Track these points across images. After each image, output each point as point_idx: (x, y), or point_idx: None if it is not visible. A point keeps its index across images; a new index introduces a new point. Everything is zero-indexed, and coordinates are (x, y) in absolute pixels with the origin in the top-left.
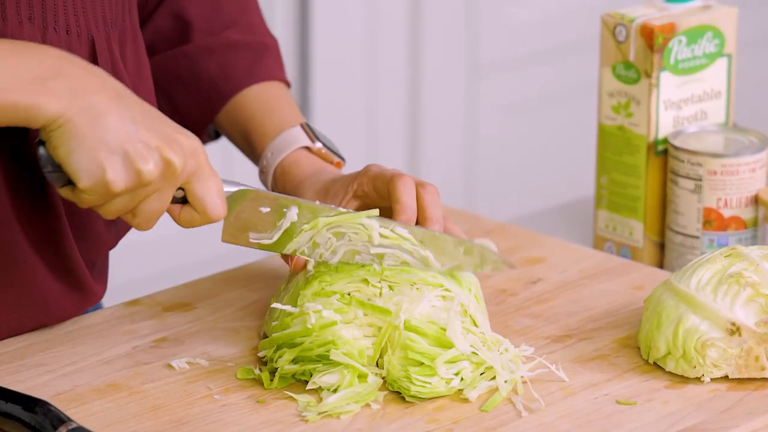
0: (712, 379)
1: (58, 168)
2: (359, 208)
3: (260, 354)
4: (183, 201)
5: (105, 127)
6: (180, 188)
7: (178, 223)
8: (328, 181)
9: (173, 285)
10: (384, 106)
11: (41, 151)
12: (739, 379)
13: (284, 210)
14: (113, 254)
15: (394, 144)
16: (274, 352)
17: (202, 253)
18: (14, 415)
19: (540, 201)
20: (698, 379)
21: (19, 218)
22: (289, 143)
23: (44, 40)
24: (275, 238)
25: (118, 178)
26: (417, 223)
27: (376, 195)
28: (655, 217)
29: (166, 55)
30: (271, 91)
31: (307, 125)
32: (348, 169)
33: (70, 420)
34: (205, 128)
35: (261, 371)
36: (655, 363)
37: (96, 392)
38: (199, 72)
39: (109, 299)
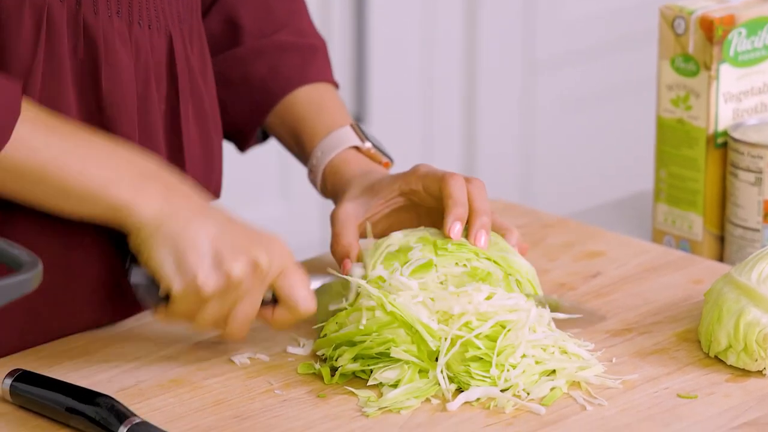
0: None
1: (150, 288)
2: (405, 207)
3: (319, 353)
4: (272, 302)
5: (196, 231)
6: (269, 289)
7: (271, 326)
8: (374, 180)
9: None
10: (440, 103)
11: (132, 277)
12: None
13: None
14: None
15: (450, 140)
16: (333, 350)
17: None
18: (79, 410)
19: (598, 195)
20: (760, 373)
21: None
22: (338, 143)
23: (130, 34)
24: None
25: (209, 280)
26: None
27: (425, 194)
28: (714, 210)
29: (217, 59)
30: (321, 92)
31: (357, 125)
32: (401, 168)
33: (134, 415)
34: (255, 130)
35: (321, 366)
36: (715, 356)
37: (159, 387)
38: (250, 74)
39: None
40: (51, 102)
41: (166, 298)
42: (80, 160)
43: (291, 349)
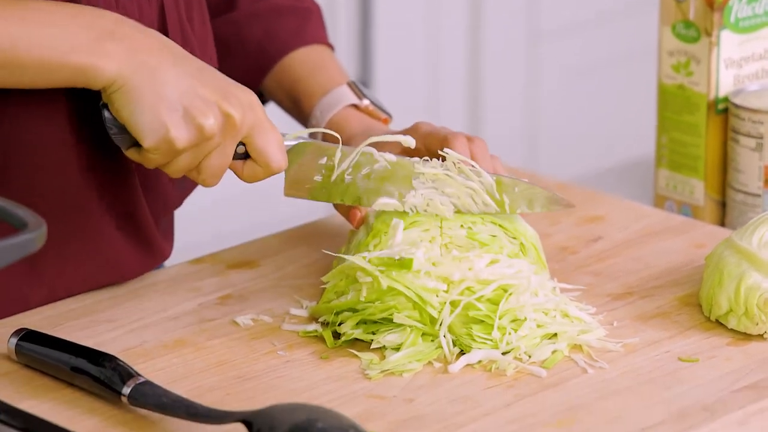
0: None
1: (123, 130)
2: None
3: (320, 320)
4: (244, 157)
5: (163, 84)
6: (241, 143)
7: (241, 179)
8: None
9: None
10: (445, 69)
11: (106, 114)
12: None
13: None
14: (179, 215)
15: (455, 106)
16: (335, 316)
17: (264, 215)
18: (84, 369)
19: (600, 161)
20: (761, 336)
21: (90, 175)
22: (337, 101)
23: (117, 3)
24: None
25: (180, 134)
26: None
27: (427, 153)
28: (715, 175)
29: (212, 23)
30: (317, 53)
31: (354, 83)
32: None
33: (138, 374)
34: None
35: (323, 329)
36: (716, 320)
37: (163, 348)
38: (246, 37)
39: (172, 260)
40: None
41: (138, 142)
42: (34, 34)
43: (294, 311)
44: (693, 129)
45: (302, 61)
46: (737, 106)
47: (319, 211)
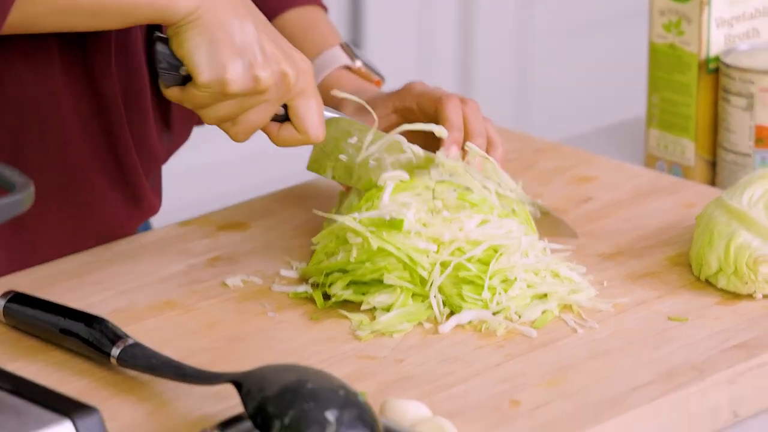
0: (764, 296)
1: (173, 67)
2: (398, 124)
3: (310, 281)
4: (282, 120)
5: (232, 29)
6: (282, 106)
7: (273, 141)
8: (368, 98)
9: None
10: (437, 29)
11: (160, 47)
12: None
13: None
14: (167, 179)
15: (446, 66)
16: (325, 277)
17: (253, 177)
18: (73, 331)
19: (592, 121)
20: (750, 296)
21: (81, 127)
22: (329, 62)
23: None
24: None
25: (237, 79)
26: None
27: (420, 113)
28: (706, 135)
29: None
30: (310, 13)
31: (347, 44)
32: None
33: (128, 336)
34: None
35: (313, 291)
36: (706, 280)
37: (152, 310)
38: None
39: (161, 222)
40: None
41: (184, 81)
42: None
43: (284, 273)
44: (684, 89)
45: (294, 21)
46: (728, 66)
47: (309, 172)
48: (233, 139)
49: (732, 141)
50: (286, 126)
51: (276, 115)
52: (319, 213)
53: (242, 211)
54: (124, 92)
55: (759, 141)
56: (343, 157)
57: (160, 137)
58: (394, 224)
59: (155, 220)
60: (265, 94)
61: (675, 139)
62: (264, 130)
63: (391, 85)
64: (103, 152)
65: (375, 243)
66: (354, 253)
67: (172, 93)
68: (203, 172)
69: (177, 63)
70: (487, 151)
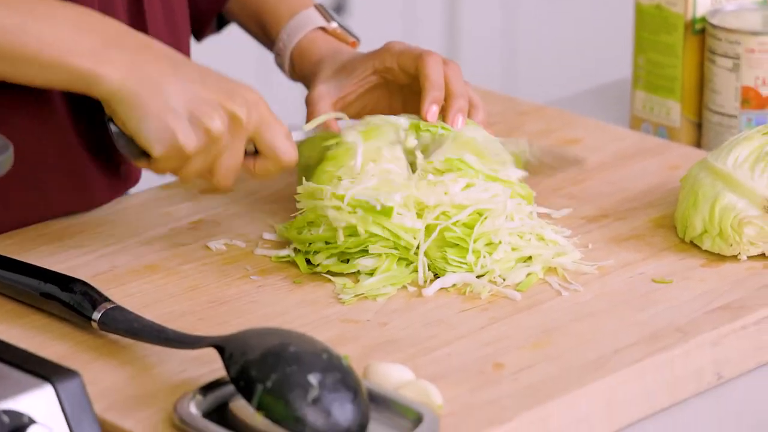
0: (749, 257)
1: (131, 141)
2: (378, 85)
3: (292, 246)
4: (255, 153)
5: (167, 94)
6: (249, 141)
7: (253, 176)
8: (345, 59)
9: None
10: None
11: (112, 127)
12: None
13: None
14: None
15: (432, 29)
16: (308, 245)
17: None
18: (54, 295)
19: (577, 83)
20: (735, 257)
21: (64, 97)
22: (304, 24)
23: None
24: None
25: (189, 139)
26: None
27: (400, 71)
28: (692, 96)
29: None
30: None
31: (321, 6)
32: None
33: (109, 300)
34: (213, 17)
35: (296, 255)
36: (691, 242)
37: (134, 273)
38: None
39: (143, 186)
40: None
41: (148, 153)
42: (38, 28)
43: (267, 236)
44: (670, 50)
45: None
46: (714, 27)
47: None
48: (218, 187)
49: (718, 102)
50: (260, 159)
51: (246, 152)
52: (300, 186)
53: None
54: None
55: (745, 102)
56: (329, 168)
57: None
58: (384, 212)
59: (136, 188)
60: (222, 140)
61: (661, 101)
62: (242, 168)
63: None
64: (84, 122)
65: (363, 229)
66: (341, 237)
67: (141, 164)
68: None
69: (131, 139)
70: (469, 114)
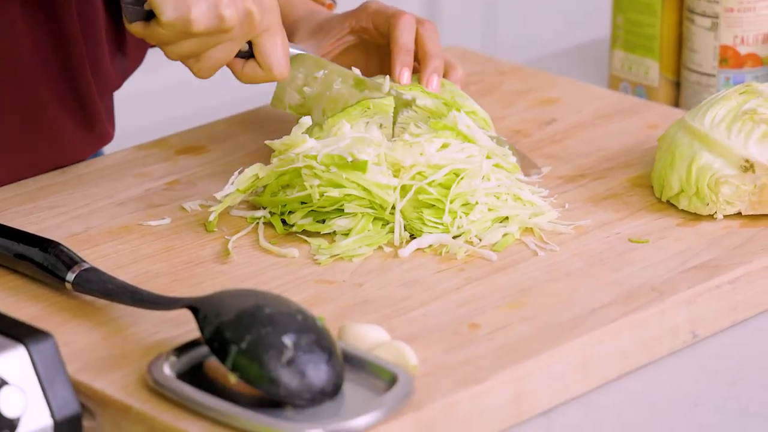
0: (725, 216)
1: (138, 3)
2: (355, 45)
3: (269, 209)
4: (246, 56)
5: None
6: (247, 43)
7: (238, 77)
8: (323, 20)
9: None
10: None
11: None
12: (751, 215)
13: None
14: (124, 104)
15: None
16: (283, 206)
17: (213, 102)
18: (27, 255)
19: (556, 43)
20: (711, 217)
21: (36, 52)
22: None
23: None
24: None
25: (200, 17)
26: (416, 60)
27: (376, 31)
28: (671, 55)
29: None
30: None
31: None
32: None
33: (83, 261)
34: None
35: (272, 216)
36: (668, 201)
37: (109, 234)
38: None
39: (119, 146)
40: None
41: (148, 16)
42: None
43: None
44: (648, 8)
45: None
46: None
47: (267, 96)
48: (196, 76)
49: (696, 61)
50: (251, 63)
51: (240, 51)
52: (269, 142)
53: (201, 134)
54: (78, 15)
55: (723, 61)
56: (307, 90)
57: (113, 61)
58: (357, 166)
59: (111, 149)
60: (230, 32)
61: (639, 60)
62: (228, 66)
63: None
64: (58, 76)
65: (337, 192)
66: (316, 196)
67: (136, 28)
68: (160, 96)
69: (139, 2)
70: (446, 74)
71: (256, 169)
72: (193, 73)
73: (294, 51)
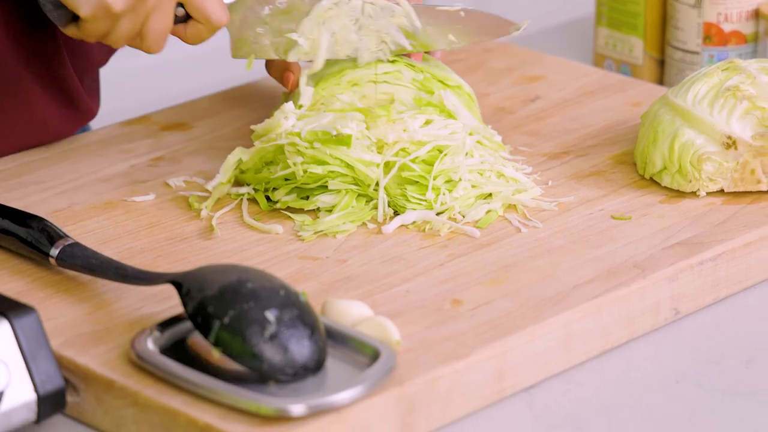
0: (708, 193)
1: (59, 5)
2: None
3: (253, 187)
4: (186, 19)
5: None
6: (180, 5)
7: (186, 41)
8: None
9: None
10: None
11: None
12: (734, 192)
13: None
14: (110, 82)
15: None
16: (267, 184)
17: (197, 81)
18: (11, 231)
19: (541, 20)
20: (694, 194)
21: (11, 34)
22: None
23: None
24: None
25: None
26: None
27: None
28: (655, 33)
29: None
30: None
31: None
32: None
33: (67, 236)
34: None
35: (256, 193)
36: (651, 178)
37: (92, 210)
38: None
39: (103, 123)
40: None
41: (75, 17)
42: None
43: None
44: None
45: None
46: None
47: (251, 74)
48: (147, 52)
49: (680, 39)
50: (191, 23)
51: (177, 17)
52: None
53: (185, 111)
54: None
55: (707, 39)
56: (260, 30)
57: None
58: (342, 140)
59: (96, 125)
60: (149, 1)
61: (623, 38)
62: (173, 33)
63: None
64: (37, 60)
65: (320, 168)
66: (300, 172)
67: (71, 31)
68: (145, 75)
69: (61, 6)
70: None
71: (238, 154)
72: (145, 52)
73: None
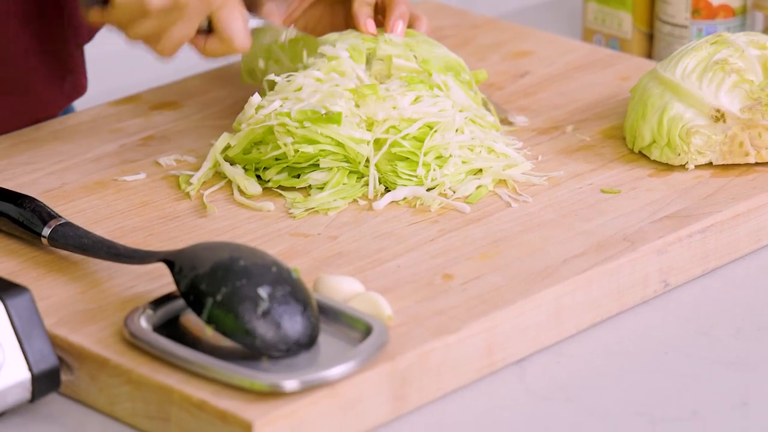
0: (696, 166)
1: None
2: (319, 1)
3: (242, 167)
4: (207, 31)
5: None
6: (207, 18)
7: (202, 53)
8: None
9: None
10: None
11: None
12: (722, 165)
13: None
14: (99, 61)
15: None
16: (257, 164)
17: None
18: (3, 211)
19: None
20: (682, 167)
21: (13, 5)
22: None
23: None
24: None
25: None
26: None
27: None
28: (644, 7)
29: None
30: None
31: None
32: None
33: (59, 216)
34: None
35: (247, 172)
36: (640, 152)
37: (84, 189)
38: None
39: (93, 102)
40: None
41: (104, 1)
42: None
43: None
44: None
45: None
46: None
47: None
48: (158, 55)
49: (669, 13)
50: (212, 38)
51: (200, 27)
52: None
53: (175, 90)
54: None
55: (696, 12)
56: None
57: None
58: (332, 118)
59: (85, 105)
60: (186, 9)
61: (612, 12)
62: (190, 43)
63: None
64: (30, 20)
65: (311, 147)
66: (291, 152)
67: (93, 14)
68: (134, 54)
69: None
70: (411, 26)
71: (226, 139)
72: (156, 53)
73: (254, 22)
